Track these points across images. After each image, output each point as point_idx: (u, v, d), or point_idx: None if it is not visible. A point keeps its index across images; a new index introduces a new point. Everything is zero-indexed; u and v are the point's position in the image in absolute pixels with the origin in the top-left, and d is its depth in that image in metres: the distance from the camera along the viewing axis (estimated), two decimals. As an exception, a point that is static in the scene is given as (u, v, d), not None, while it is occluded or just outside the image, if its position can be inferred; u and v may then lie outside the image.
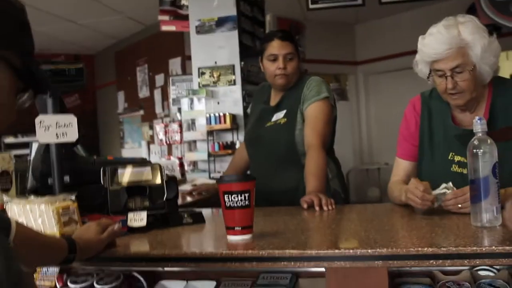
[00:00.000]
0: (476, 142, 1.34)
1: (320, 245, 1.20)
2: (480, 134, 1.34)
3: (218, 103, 4.00)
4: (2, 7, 0.84)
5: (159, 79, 7.35)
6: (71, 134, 1.67)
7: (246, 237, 1.35)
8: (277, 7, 5.04)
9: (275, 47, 2.29)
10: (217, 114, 3.92)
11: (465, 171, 1.70)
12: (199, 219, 1.69)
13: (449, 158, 1.75)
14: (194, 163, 4.12)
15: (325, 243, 1.23)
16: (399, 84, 7.69)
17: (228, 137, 4.05)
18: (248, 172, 2.53)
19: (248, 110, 2.66)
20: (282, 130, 2.26)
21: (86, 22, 6.81)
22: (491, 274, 1.26)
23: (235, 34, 3.98)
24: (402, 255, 1.11)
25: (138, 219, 1.56)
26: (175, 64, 6.96)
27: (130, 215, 1.56)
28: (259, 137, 2.36)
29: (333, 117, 2.31)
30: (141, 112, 7.84)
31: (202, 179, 3.51)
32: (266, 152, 2.32)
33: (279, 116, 2.31)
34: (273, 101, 2.39)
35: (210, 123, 3.95)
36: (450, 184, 1.54)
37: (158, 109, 7.44)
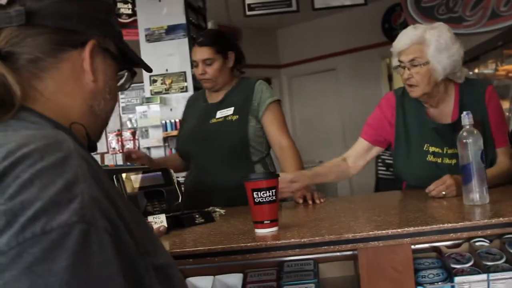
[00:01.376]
0: (465, 134, 1.56)
1: (349, 230, 1.35)
2: (468, 127, 1.57)
3: (171, 109, 4.04)
4: None
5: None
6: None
7: (274, 229, 1.47)
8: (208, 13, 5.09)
9: (194, 52, 2.35)
10: (172, 121, 3.96)
11: (439, 160, 1.96)
12: (209, 219, 1.78)
13: (424, 149, 1.98)
14: (147, 170, 4.10)
15: (352, 227, 1.39)
16: (321, 85, 8.12)
17: (183, 143, 4.06)
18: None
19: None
20: (233, 125, 2.28)
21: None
22: (486, 244, 1.49)
23: (185, 41, 4.04)
24: (427, 231, 1.29)
25: (159, 221, 1.62)
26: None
27: (150, 218, 1.62)
28: (204, 134, 2.33)
29: None
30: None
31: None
32: (213, 148, 2.30)
33: (226, 112, 2.31)
34: (214, 99, 2.40)
35: (166, 130, 3.98)
36: None
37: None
